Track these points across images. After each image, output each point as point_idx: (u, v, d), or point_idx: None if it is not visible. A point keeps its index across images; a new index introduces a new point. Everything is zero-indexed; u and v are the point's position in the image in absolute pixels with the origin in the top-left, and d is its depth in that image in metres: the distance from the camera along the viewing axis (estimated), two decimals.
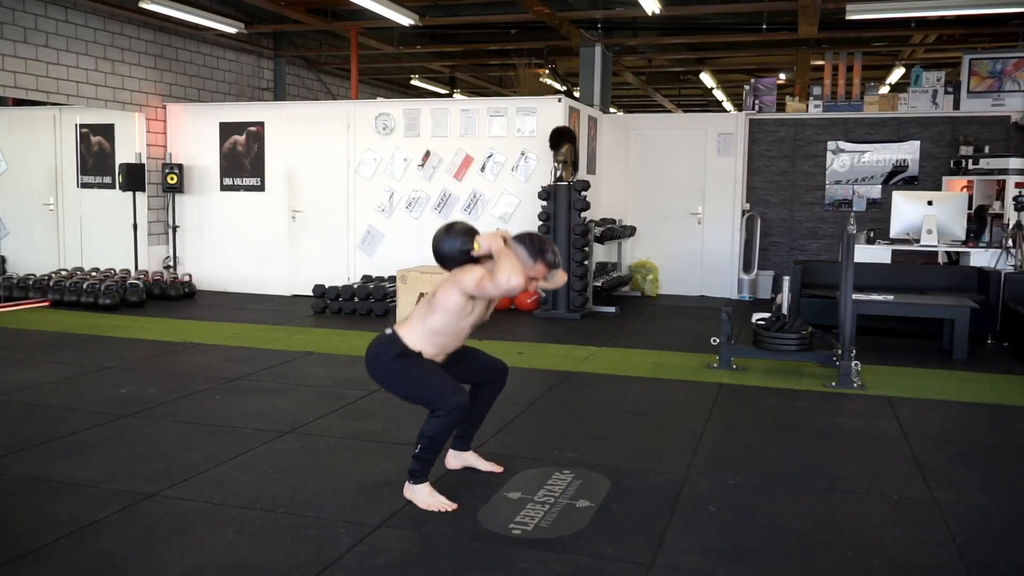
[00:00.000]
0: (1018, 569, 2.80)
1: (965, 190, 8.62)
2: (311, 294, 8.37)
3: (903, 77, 12.25)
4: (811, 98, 9.72)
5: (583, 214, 7.95)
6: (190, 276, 9.21)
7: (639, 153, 9.88)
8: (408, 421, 4.20)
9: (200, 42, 10.03)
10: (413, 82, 14.92)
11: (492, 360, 3.55)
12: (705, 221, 9.62)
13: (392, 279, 8.28)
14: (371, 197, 8.87)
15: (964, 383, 5.46)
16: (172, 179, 9.19)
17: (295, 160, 9.12)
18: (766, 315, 6.01)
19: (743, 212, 9.49)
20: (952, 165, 8.90)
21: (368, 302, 7.93)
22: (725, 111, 16.80)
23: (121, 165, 9.02)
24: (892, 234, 7.50)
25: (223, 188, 9.39)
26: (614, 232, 8.83)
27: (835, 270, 6.62)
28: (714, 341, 5.79)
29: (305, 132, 9.09)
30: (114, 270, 9.01)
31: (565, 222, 7.89)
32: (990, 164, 8.56)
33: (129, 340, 6.58)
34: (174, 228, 9.45)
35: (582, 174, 8.51)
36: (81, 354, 6.03)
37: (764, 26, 9.61)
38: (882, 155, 9.28)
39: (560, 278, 3.35)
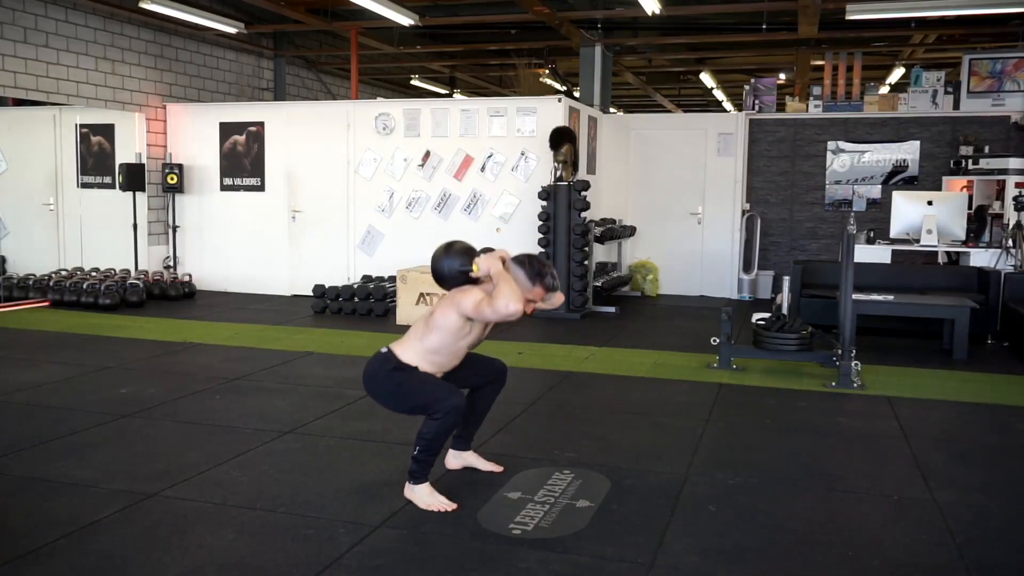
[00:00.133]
0: (1018, 569, 2.80)
1: (965, 190, 8.62)
2: (311, 294, 8.37)
3: (903, 77, 12.25)
4: (811, 98, 9.72)
5: (583, 214, 7.95)
6: (190, 276, 9.21)
7: (639, 153, 9.88)
8: (408, 421, 4.19)
9: (200, 42, 10.03)
10: (413, 82, 14.92)
11: (490, 361, 3.55)
12: (705, 221, 9.62)
13: (392, 279, 8.28)
14: (371, 197, 8.87)
15: (964, 383, 5.46)
16: (172, 179, 9.19)
17: (295, 160, 9.12)
18: (766, 315, 6.01)
19: (743, 212, 9.49)
20: (952, 165, 8.90)
21: (368, 302, 7.93)
22: (725, 111, 16.80)
23: (121, 165, 9.02)
24: (892, 234, 7.50)
25: (223, 188, 9.39)
26: (614, 232, 8.83)
27: (835, 270, 6.62)
28: (714, 341, 5.79)
29: (305, 132, 9.09)
30: (114, 270, 9.01)
31: (565, 222, 7.89)
32: (990, 164, 8.56)
33: (129, 340, 6.58)
34: (174, 228, 9.45)
35: (582, 174, 8.51)
36: (81, 354, 6.03)
37: (764, 26, 9.61)
38: (882, 155, 9.28)
39: (557, 299, 3.36)
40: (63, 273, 8.91)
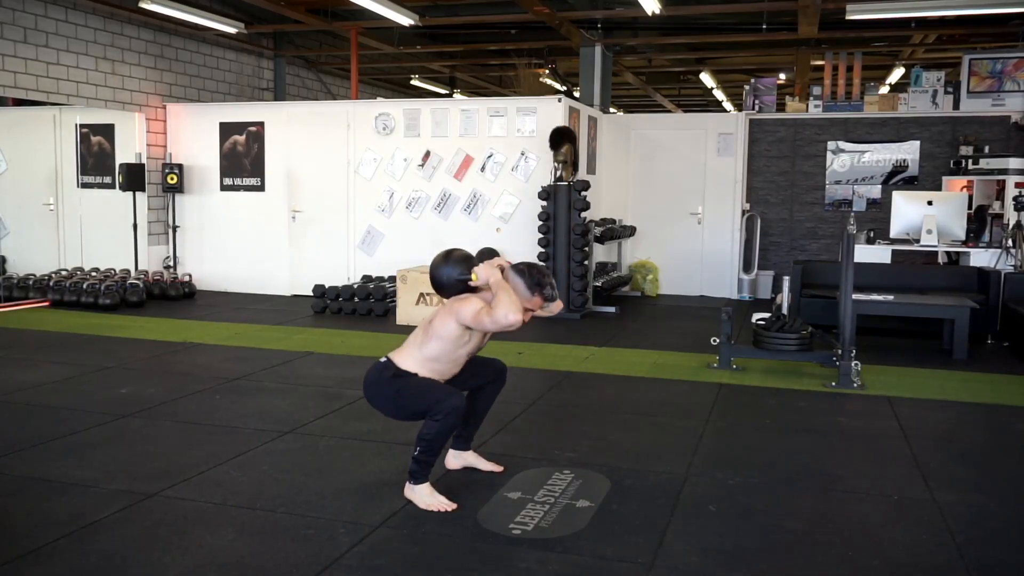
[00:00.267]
0: (1018, 569, 2.80)
1: (965, 190, 8.62)
2: (311, 294, 8.37)
3: (903, 77, 12.25)
4: (811, 98, 9.72)
5: (583, 214, 7.95)
6: (190, 276, 9.21)
7: (639, 153, 9.88)
8: (408, 421, 4.20)
9: (200, 42, 10.03)
10: (413, 82, 14.92)
11: (489, 362, 3.55)
12: (705, 221, 9.62)
13: (392, 279, 8.28)
14: (371, 197, 8.87)
15: (964, 383, 5.46)
16: (172, 179, 9.19)
17: (295, 160, 9.12)
18: (766, 315, 6.01)
19: (743, 212, 9.49)
20: (952, 165, 8.90)
21: (368, 302, 7.93)
22: (725, 111, 16.80)
23: (121, 165, 9.02)
24: (892, 234, 7.50)
25: (223, 188, 9.39)
26: (614, 232, 8.83)
27: (835, 270, 6.62)
28: (714, 341, 5.79)
29: (305, 132, 9.09)
30: (114, 270, 9.01)
31: (565, 222, 7.89)
32: (990, 164, 8.56)
33: (129, 340, 6.58)
34: (174, 228, 9.45)
35: (582, 174, 8.51)
36: (81, 354, 6.03)
37: (764, 26, 9.61)
38: (882, 155, 9.28)
39: (556, 307, 3.39)
40: (63, 273, 8.91)
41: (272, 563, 2.74)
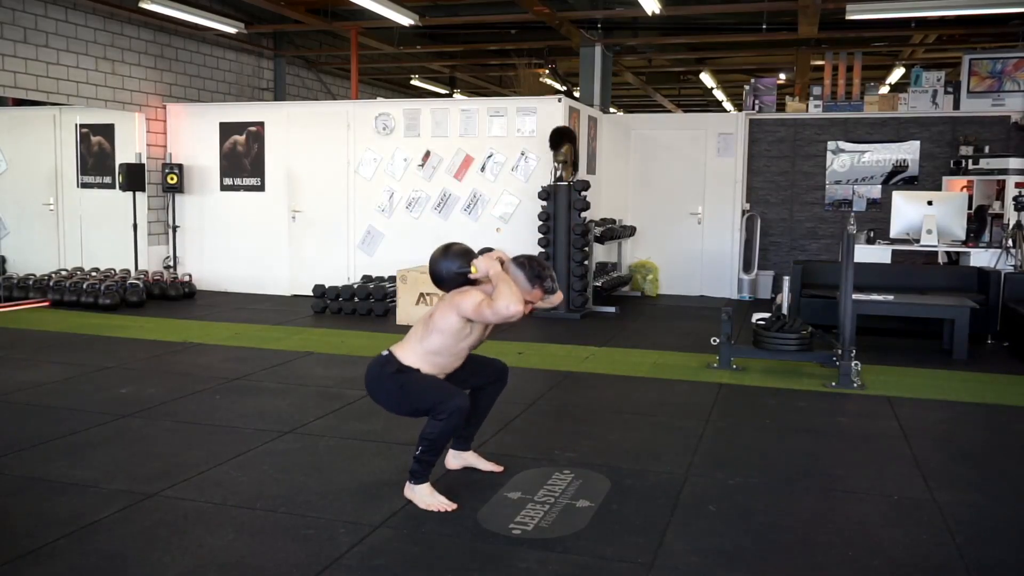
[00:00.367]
0: (1018, 569, 2.80)
1: (965, 190, 8.62)
2: (311, 294, 8.37)
3: (903, 77, 12.25)
4: (811, 98, 9.72)
5: (583, 214, 7.95)
6: (190, 276, 9.21)
7: (639, 153, 9.88)
8: (409, 421, 4.19)
9: (200, 42, 10.03)
10: (413, 82, 14.92)
11: (491, 361, 3.55)
12: (705, 221, 9.62)
13: (392, 279, 8.28)
14: (371, 197, 8.87)
15: (964, 383, 5.46)
16: (172, 179, 9.19)
17: (295, 160, 9.12)
18: (766, 315, 6.01)
19: (743, 212, 9.49)
20: (952, 165, 8.90)
21: (368, 302, 7.93)
22: (725, 111, 16.80)
23: (121, 165, 9.02)
24: (892, 234, 7.50)
25: (223, 188, 9.39)
26: (614, 232, 8.83)
27: (835, 270, 6.61)
28: (714, 341, 5.79)
29: (305, 132, 9.09)
30: (114, 270, 9.01)
31: (565, 222, 7.89)
32: (990, 164, 8.56)
33: (129, 340, 6.58)
34: (174, 228, 9.45)
35: (582, 174, 8.51)
36: (81, 354, 6.03)
37: (764, 26, 9.61)
38: (882, 155, 9.28)
39: (556, 299, 3.36)
40: (63, 273, 8.91)
41: (272, 563, 2.74)
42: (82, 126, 9.59)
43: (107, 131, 9.51)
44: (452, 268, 3.27)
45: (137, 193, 9.08)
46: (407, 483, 3.25)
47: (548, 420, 4.53)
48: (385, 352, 3.32)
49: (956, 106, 9.18)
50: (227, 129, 9.34)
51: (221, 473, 3.58)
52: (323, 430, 4.24)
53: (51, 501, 3.24)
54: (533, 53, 11.76)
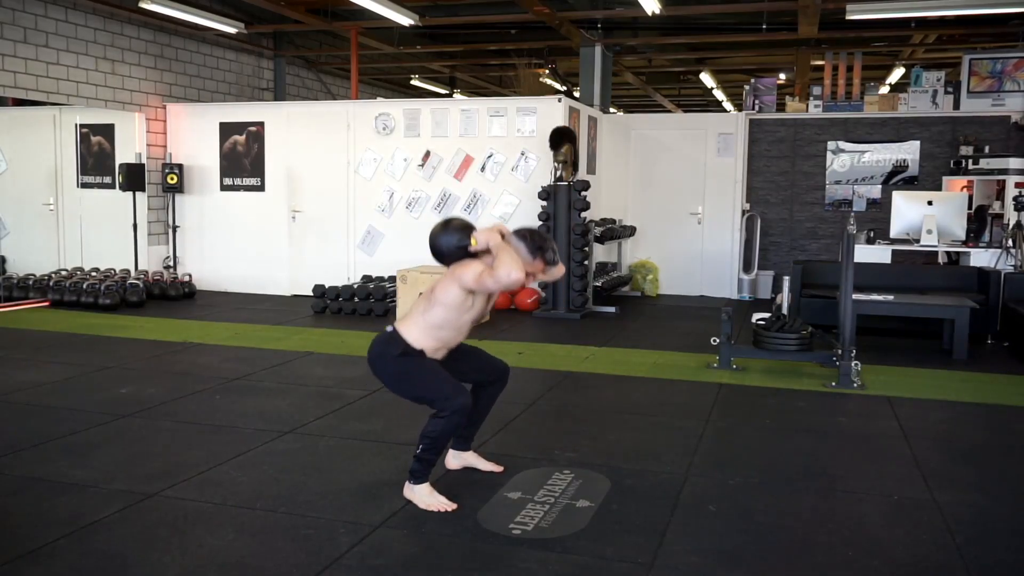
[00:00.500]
0: (1018, 569, 2.80)
1: (965, 190, 8.62)
2: (311, 294, 8.37)
3: (903, 77, 12.25)
4: (811, 98, 9.72)
5: (583, 214, 7.95)
6: (190, 276, 9.21)
7: (639, 153, 9.88)
8: (408, 421, 4.20)
9: (200, 42, 10.03)
10: (413, 82, 14.92)
11: (494, 360, 3.54)
12: (705, 221, 9.62)
13: (392, 279, 8.28)
14: (371, 197, 8.88)
15: (964, 383, 5.46)
16: (172, 179, 9.19)
17: (295, 160, 9.13)
18: (766, 315, 6.01)
19: (743, 212, 9.49)
20: (952, 165, 8.90)
21: (368, 302, 7.93)
22: (725, 111, 16.80)
23: (121, 165, 9.02)
24: (892, 234, 7.50)
25: (223, 188, 9.39)
26: (614, 232, 8.83)
27: (835, 270, 6.61)
28: (714, 341, 5.79)
29: (305, 132, 9.09)
30: (114, 270, 9.01)
31: (565, 222, 7.89)
32: (990, 164, 8.56)
33: (129, 340, 6.58)
34: (174, 228, 9.45)
35: (582, 174, 8.51)
36: (81, 354, 6.02)
37: (764, 26, 9.61)
38: (882, 155, 9.28)
39: (558, 272, 3.34)
40: (63, 273, 8.91)
41: (272, 563, 2.74)
42: (82, 126, 9.59)
43: (107, 131, 9.51)
44: (452, 242, 3.24)
45: (137, 193, 9.09)
46: (407, 483, 3.25)
47: (548, 420, 4.53)
48: (389, 328, 3.30)
49: (956, 106, 9.18)
50: (227, 129, 9.34)
51: (221, 473, 3.58)
52: (323, 430, 4.24)
53: (51, 501, 3.24)
54: (533, 53, 11.76)
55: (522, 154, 8.39)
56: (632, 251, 9.82)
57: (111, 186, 9.44)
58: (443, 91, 15.46)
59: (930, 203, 7.36)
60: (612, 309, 8.23)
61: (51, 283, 8.40)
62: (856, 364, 5.27)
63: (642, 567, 2.74)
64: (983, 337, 6.74)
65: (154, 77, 9.38)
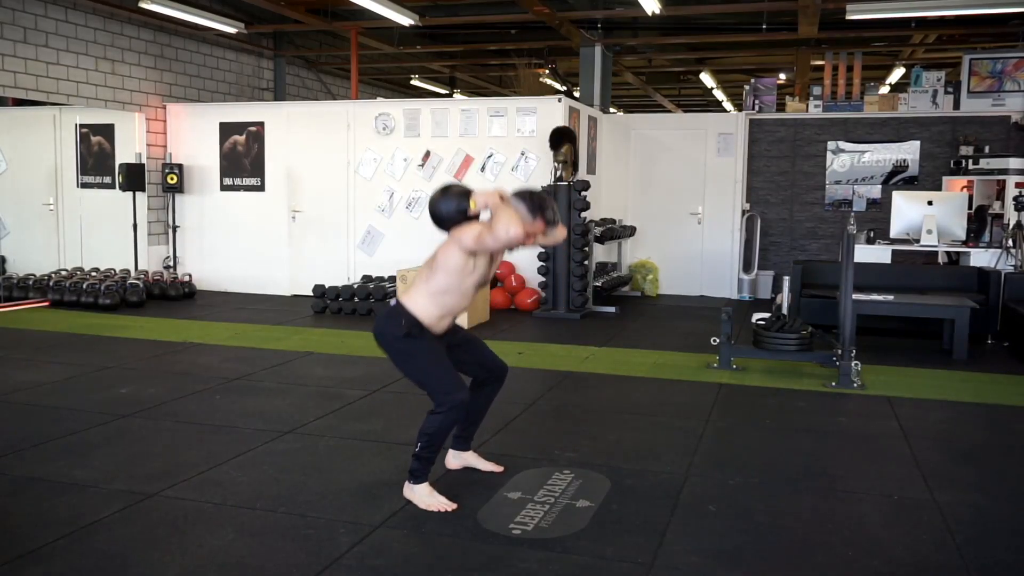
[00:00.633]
0: (1018, 569, 2.80)
1: (965, 190, 8.62)
2: (311, 294, 8.37)
3: (903, 77, 12.25)
4: (811, 98, 9.72)
5: (583, 214, 7.95)
6: (190, 276, 9.21)
7: (639, 153, 9.88)
8: (408, 421, 4.20)
9: (200, 42, 10.03)
10: (413, 82, 14.92)
11: (495, 358, 3.54)
12: (705, 221, 9.62)
13: (392, 279, 8.28)
14: (371, 197, 8.88)
15: (964, 383, 5.46)
16: (172, 179, 9.19)
17: (295, 160, 9.12)
18: (766, 315, 6.01)
19: (743, 212, 9.49)
20: (952, 165, 8.90)
21: (368, 302, 7.93)
22: (725, 111, 16.80)
23: (121, 165, 9.02)
24: (892, 234, 7.50)
25: (223, 188, 9.39)
26: (614, 232, 8.83)
27: (835, 270, 6.61)
28: (714, 341, 5.79)
29: (305, 132, 9.09)
30: (114, 270, 9.01)
31: (565, 222, 7.89)
32: (990, 164, 8.56)
33: (129, 340, 6.58)
34: (174, 228, 9.45)
35: (582, 174, 8.51)
36: (81, 354, 6.02)
37: (764, 26, 9.61)
38: (882, 155, 9.28)
39: (559, 234, 3.33)
40: (63, 273, 8.91)
41: (272, 563, 2.74)
42: (82, 126, 9.59)
43: (107, 131, 9.51)
44: (451, 207, 3.23)
45: (137, 193, 9.08)
46: (407, 483, 3.25)
47: (548, 420, 4.53)
48: (393, 302, 3.29)
49: (956, 106, 9.18)
50: (227, 129, 9.34)
51: (221, 473, 3.58)
52: (323, 430, 4.24)
53: (51, 501, 3.24)
54: (533, 53, 11.76)
55: (522, 154, 8.39)
56: (632, 251, 9.82)
57: (111, 186, 9.44)
58: (443, 91, 15.46)
59: (930, 203, 7.36)
60: (612, 309, 8.23)
61: (51, 283, 8.40)
62: (856, 364, 5.27)
63: (642, 567, 2.74)
64: (983, 337, 6.74)
65: (154, 77, 9.38)
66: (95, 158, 9.58)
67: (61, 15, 8.28)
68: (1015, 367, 5.95)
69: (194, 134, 9.45)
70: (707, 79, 14.12)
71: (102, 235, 9.59)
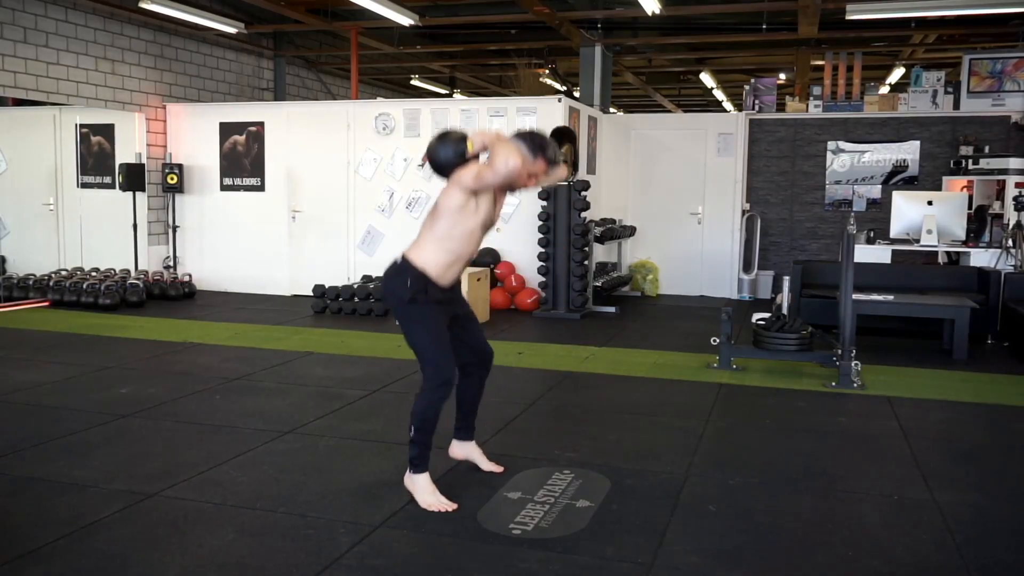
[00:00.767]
0: (1018, 569, 2.80)
1: (965, 190, 8.62)
2: (311, 294, 8.36)
3: (903, 77, 12.25)
4: (811, 98, 9.72)
5: (583, 214, 7.95)
6: (190, 276, 9.21)
7: (639, 153, 9.88)
8: (408, 420, 4.19)
9: (200, 42, 10.03)
10: (413, 82, 14.92)
11: (484, 341, 3.53)
12: (705, 221, 9.62)
13: None
14: (371, 197, 8.88)
15: (964, 383, 5.46)
16: (172, 179, 9.19)
17: (295, 160, 9.13)
18: (766, 315, 6.01)
19: (743, 212, 9.49)
20: (952, 165, 8.90)
21: (368, 302, 7.92)
22: (725, 111, 16.80)
23: (121, 165, 9.02)
24: (892, 234, 7.50)
25: (223, 188, 9.39)
26: (614, 232, 8.83)
27: (835, 270, 6.61)
28: (714, 341, 5.79)
29: (305, 132, 9.09)
30: (114, 270, 9.01)
31: (565, 222, 7.89)
32: (990, 164, 8.56)
33: (129, 340, 6.58)
34: (174, 228, 9.45)
35: (582, 174, 8.51)
36: (81, 354, 6.02)
37: (764, 26, 9.61)
38: (882, 155, 9.28)
39: (561, 173, 3.31)
40: (63, 273, 8.91)
41: (272, 563, 2.74)
42: (82, 126, 9.59)
43: (107, 131, 9.51)
44: (449, 153, 3.22)
45: (137, 193, 9.08)
46: (407, 473, 3.25)
47: (548, 420, 4.53)
48: (399, 258, 3.27)
49: (956, 106, 9.19)
50: (227, 129, 9.34)
51: (221, 473, 3.58)
52: (323, 430, 4.24)
53: (51, 501, 3.24)
54: (533, 53, 11.76)
55: None
56: (632, 251, 9.82)
57: (111, 186, 9.44)
58: (443, 91, 15.46)
59: (930, 203, 7.36)
60: (612, 309, 8.23)
61: (51, 283, 8.40)
62: (856, 364, 5.27)
63: (642, 567, 2.74)
64: (983, 337, 6.74)
65: (154, 77, 9.38)
66: (95, 158, 9.58)
67: (61, 15, 8.28)
68: (1015, 367, 5.95)
69: (194, 134, 9.45)
70: (707, 79, 14.12)
71: (102, 235, 9.59)
